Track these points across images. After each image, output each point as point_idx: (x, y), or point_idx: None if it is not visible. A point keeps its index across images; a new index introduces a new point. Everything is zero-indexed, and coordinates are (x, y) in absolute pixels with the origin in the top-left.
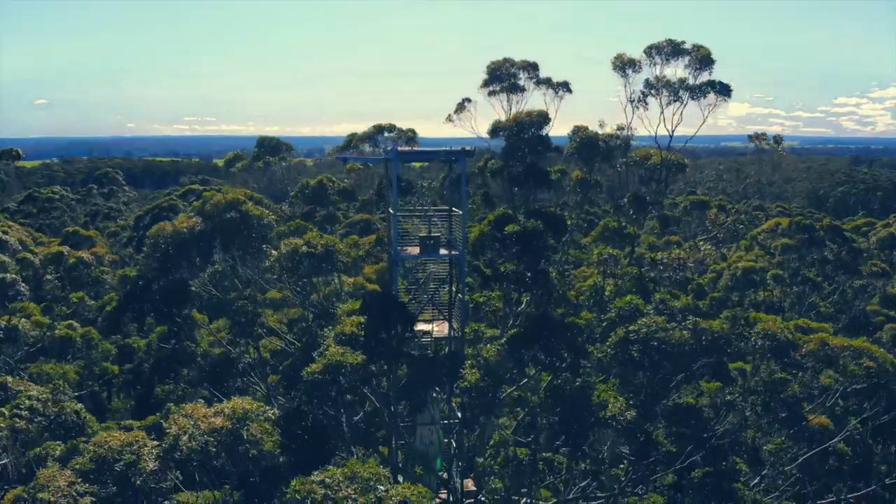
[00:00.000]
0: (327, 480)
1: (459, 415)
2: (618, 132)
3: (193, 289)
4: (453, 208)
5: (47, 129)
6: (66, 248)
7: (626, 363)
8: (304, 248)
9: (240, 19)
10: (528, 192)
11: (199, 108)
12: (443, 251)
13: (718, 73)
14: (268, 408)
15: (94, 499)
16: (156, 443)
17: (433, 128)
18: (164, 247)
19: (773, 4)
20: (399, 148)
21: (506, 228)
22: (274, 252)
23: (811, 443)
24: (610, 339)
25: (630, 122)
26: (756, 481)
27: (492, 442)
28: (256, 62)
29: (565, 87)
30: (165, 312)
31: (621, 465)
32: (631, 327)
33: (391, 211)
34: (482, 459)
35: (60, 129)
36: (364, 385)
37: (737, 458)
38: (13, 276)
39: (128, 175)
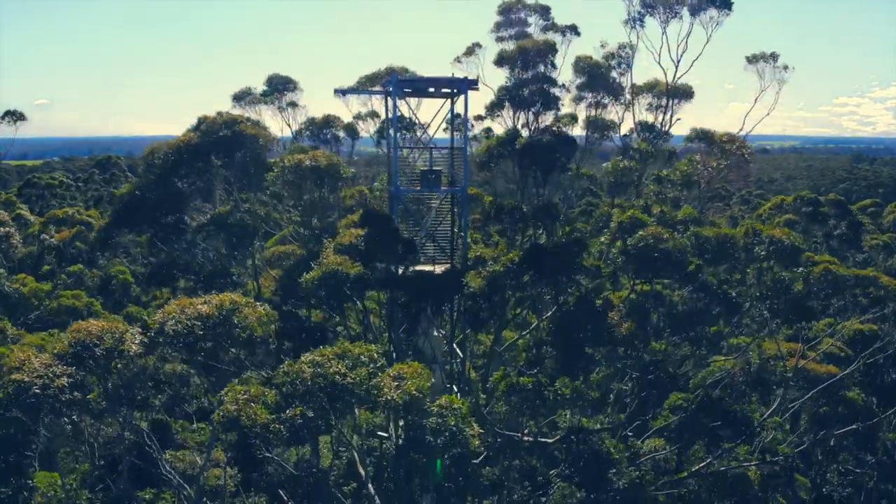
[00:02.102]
0: (317, 359)
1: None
2: (619, 51)
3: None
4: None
5: (47, 130)
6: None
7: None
8: (308, 163)
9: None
10: (535, 118)
11: (205, 108)
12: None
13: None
14: (260, 304)
15: (71, 380)
16: (140, 330)
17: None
18: (160, 161)
19: (772, 4)
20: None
21: (516, 142)
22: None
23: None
24: (613, 250)
25: (631, 42)
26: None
27: (495, 376)
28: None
29: (573, 30)
30: (161, 223)
31: (626, 386)
32: (630, 240)
33: (392, 145)
34: (486, 385)
35: (61, 130)
36: (362, 295)
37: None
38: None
39: (131, 172)
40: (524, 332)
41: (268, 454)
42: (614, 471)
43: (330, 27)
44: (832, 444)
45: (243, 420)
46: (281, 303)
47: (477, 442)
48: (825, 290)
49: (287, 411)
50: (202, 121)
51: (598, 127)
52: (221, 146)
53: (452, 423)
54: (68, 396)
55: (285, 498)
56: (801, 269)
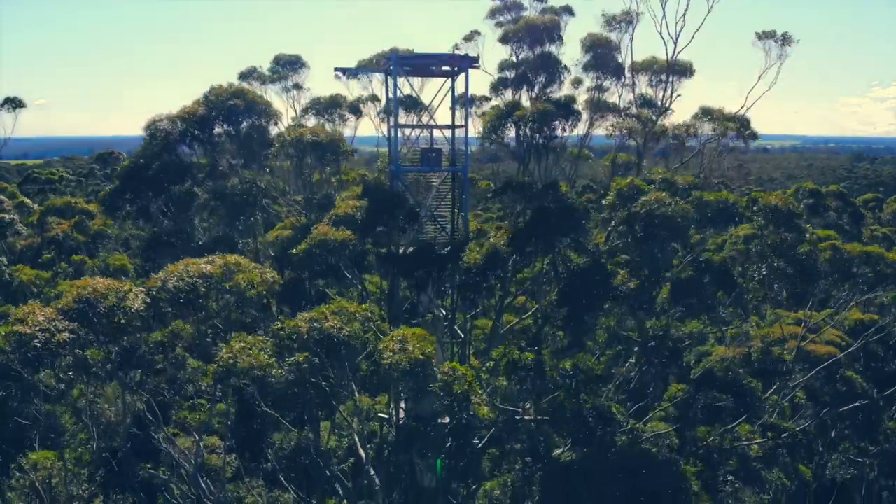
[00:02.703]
0: (314, 315)
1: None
2: (622, 15)
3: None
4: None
5: (47, 130)
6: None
7: (629, 239)
8: (309, 137)
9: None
10: (541, 91)
11: None
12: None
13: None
14: (263, 267)
15: (73, 335)
16: (143, 289)
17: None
18: (164, 131)
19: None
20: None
21: (517, 112)
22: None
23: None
24: (614, 218)
25: (632, 9)
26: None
27: (495, 352)
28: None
29: (569, 11)
30: (164, 191)
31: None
32: (633, 207)
33: (392, 122)
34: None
35: (61, 129)
36: (355, 264)
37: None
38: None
39: None
40: (524, 316)
41: (266, 409)
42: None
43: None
44: (833, 435)
45: (241, 363)
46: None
47: (485, 410)
48: (832, 269)
49: (287, 358)
50: (212, 89)
51: (600, 108)
52: (228, 116)
53: (459, 390)
54: (69, 354)
55: (284, 483)
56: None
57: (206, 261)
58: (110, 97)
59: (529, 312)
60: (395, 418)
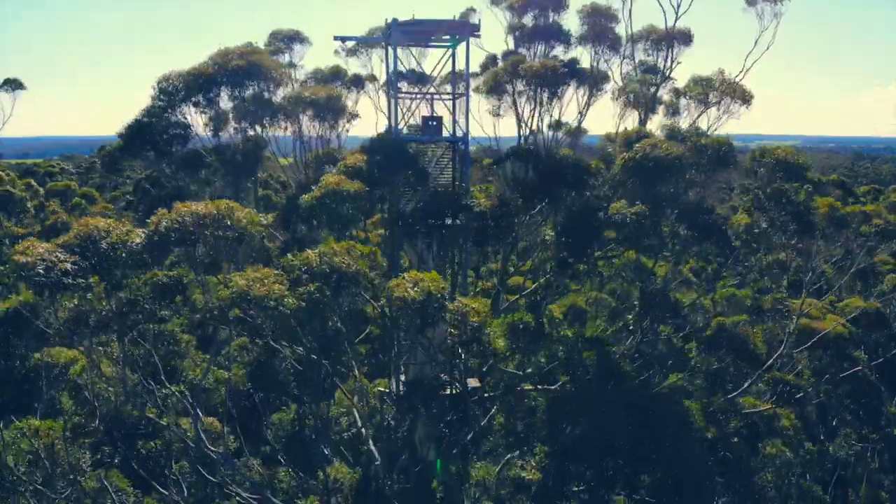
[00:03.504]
0: (324, 248)
1: None
2: None
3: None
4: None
5: (49, 129)
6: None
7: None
8: (308, 95)
9: None
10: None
11: None
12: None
13: None
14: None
15: (75, 266)
16: (144, 231)
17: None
18: (171, 88)
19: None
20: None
21: (523, 65)
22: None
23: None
24: (615, 166)
25: None
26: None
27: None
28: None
29: None
30: (166, 152)
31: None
32: (636, 149)
33: (391, 91)
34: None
35: (62, 129)
36: (366, 216)
37: None
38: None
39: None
40: (524, 292)
41: (275, 344)
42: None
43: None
44: (835, 423)
45: (254, 291)
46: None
47: (502, 342)
48: (828, 224)
49: (299, 288)
50: (220, 51)
51: (598, 80)
52: (235, 77)
53: (475, 320)
54: (71, 280)
55: (282, 461)
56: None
57: (202, 204)
58: (112, 94)
59: (527, 292)
60: (395, 390)
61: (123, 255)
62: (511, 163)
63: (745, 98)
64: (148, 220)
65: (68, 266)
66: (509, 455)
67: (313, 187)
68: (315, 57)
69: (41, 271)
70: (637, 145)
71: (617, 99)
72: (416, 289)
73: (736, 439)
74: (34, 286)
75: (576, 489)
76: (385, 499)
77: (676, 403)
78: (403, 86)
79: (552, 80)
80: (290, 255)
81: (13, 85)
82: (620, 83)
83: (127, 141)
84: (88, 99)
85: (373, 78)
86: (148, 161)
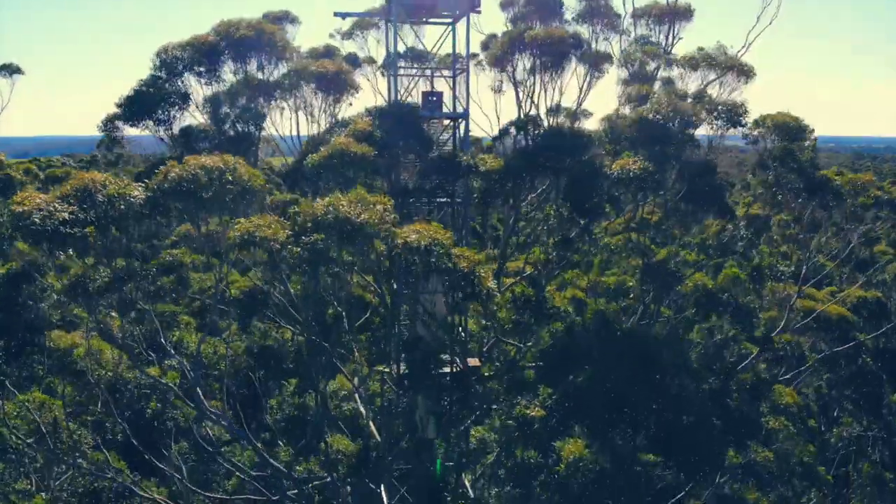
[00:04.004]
0: (331, 199)
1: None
2: None
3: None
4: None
5: (49, 129)
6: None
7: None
8: (314, 68)
9: None
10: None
11: None
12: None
13: None
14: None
15: (73, 216)
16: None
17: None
18: (171, 59)
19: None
20: None
21: (528, 33)
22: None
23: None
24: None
25: None
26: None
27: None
28: None
29: None
30: (166, 120)
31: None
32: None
33: (391, 66)
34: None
35: (62, 128)
36: (374, 179)
37: None
38: None
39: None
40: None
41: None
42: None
43: None
44: (836, 413)
45: (260, 233)
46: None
47: (492, 284)
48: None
49: (304, 237)
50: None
51: (598, 60)
52: (239, 47)
53: (465, 265)
54: (69, 230)
55: (283, 444)
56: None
57: (206, 158)
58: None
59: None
60: (395, 371)
61: (122, 206)
62: (511, 133)
63: (746, 72)
64: (156, 171)
65: (65, 216)
66: (515, 399)
67: (321, 148)
68: (309, 40)
69: (37, 220)
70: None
71: (622, 66)
72: (418, 235)
73: (737, 394)
74: (32, 235)
75: (579, 428)
76: (384, 467)
77: (676, 352)
78: (402, 65)
79: (557, 48)
80: (294, 207)
81: (10, 70)
82: (621, 60)
83: (126, 108)
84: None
85: (371, 60)
86: (148, 129)
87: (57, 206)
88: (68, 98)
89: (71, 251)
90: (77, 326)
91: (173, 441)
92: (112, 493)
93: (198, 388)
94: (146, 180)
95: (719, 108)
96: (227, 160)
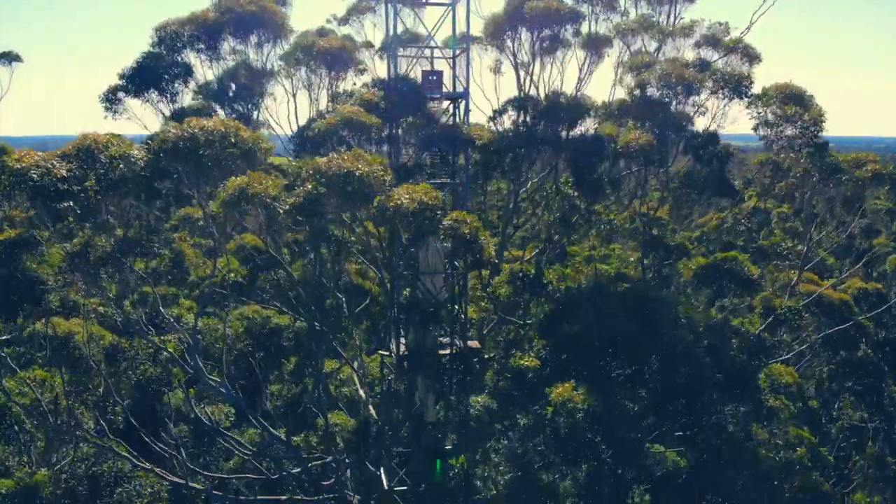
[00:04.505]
0: (332, 155)
1: None
2: None
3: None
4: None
5: (51, 128)
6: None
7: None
8: (322, 44)
9: None
10: None
11: None
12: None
13: None
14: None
15: (71, 173)
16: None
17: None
18: (169, 36)
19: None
20: None
21: (526, 6)
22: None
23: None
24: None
25: None
26: None
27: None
28: None
29: None
30: (169, 92)
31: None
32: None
33: (391, 45)
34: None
35: (65, 129)
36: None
37: None
38: None
39: None
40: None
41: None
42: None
43: None
44: (837, 406)
45: (252, 189)
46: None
47: (493, 250)
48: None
49: (298, 188)
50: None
51: (598, 44)
52: (240, 24)
53: (467, 231)
54: (66, 187)
55: (282, 426)
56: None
57: (210, 120)
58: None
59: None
60: (395, 351)
61: (121, 166)
62: (510, 109)
63: (750, 56)
64: (158, 132)
65: (63, 172)
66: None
67: (326, 115)
68: (302, 23)
69: (35, 176)
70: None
71: (622, 38)
72: (408, 198)
73: (735, 352)
74: (29, 191)
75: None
76: (383, 446)
77: (674, 306)
78: (401, 52)
79: (554, 19)
80: (295, 163)
81: (10, 58)
82: (621, 33)
83: (129, 79)
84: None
85: (368, 45)
86: (150, 103)
87: (55, 163)
88: (67, 86)
89: (70, 217)
90: (76, 313)
91: (172, 424)
92: (112, 478)
93: (196, 355)
94: (148, 141)
95: (724, 76)
96: (228, 123)
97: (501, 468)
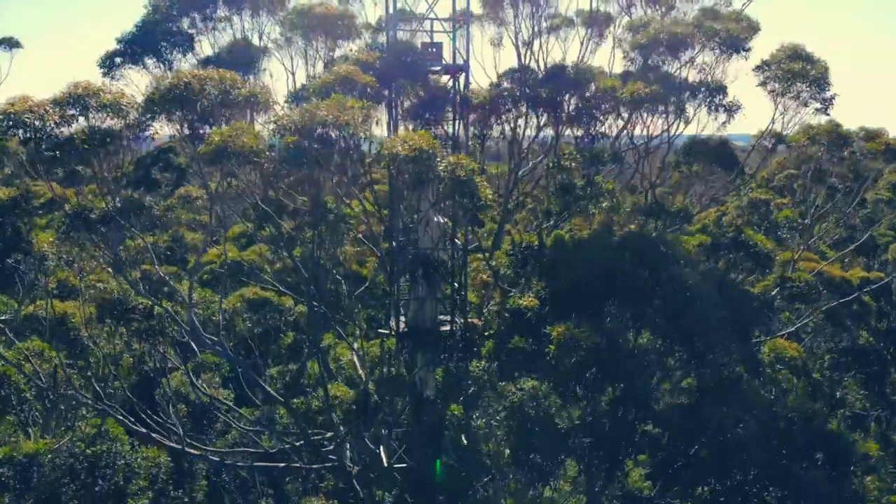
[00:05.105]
0: (307, 106)
1: None
2: None
3: None
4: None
5: None
6: None
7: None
8: (320, 10)
9: None
10: None
11: None
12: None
13: None
14: None
15: (64, 119)
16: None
17: None
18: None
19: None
20: None
21: None
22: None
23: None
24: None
25: None
26: None
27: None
28: None
29: None
30: (166, 58)
31: None
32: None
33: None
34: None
35: None
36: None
37: None
38: None
39: None
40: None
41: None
42: None
43: None
44: (839, 395)
45: (232, 146)
46: None
47: (489, 192)
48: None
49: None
50: None
51: (599, 21)
52: None
53: (463, 173)
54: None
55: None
56: None
57: (203, 71)
58: None
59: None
60: (395, 328)
61: (117, 113)
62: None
63: (752, 28)
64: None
65: (56, 118)
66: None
67: (323, 73)
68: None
69: (26, 119)
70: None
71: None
72: (405, 146)
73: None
74: (21, 129)
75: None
76: (383, 422)
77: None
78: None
79: None
80: (273, 114)
81: (10, 44)
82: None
83: (127, 43)
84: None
85: (368, 26)
86: (148, 70)
87: (49, 108)
88: (67, 73)
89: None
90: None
91: (171, 404)
92: (111, 458)
93: (191, 312)
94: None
95: (720, 32)
96: (223, 74)
97: (499, 412)
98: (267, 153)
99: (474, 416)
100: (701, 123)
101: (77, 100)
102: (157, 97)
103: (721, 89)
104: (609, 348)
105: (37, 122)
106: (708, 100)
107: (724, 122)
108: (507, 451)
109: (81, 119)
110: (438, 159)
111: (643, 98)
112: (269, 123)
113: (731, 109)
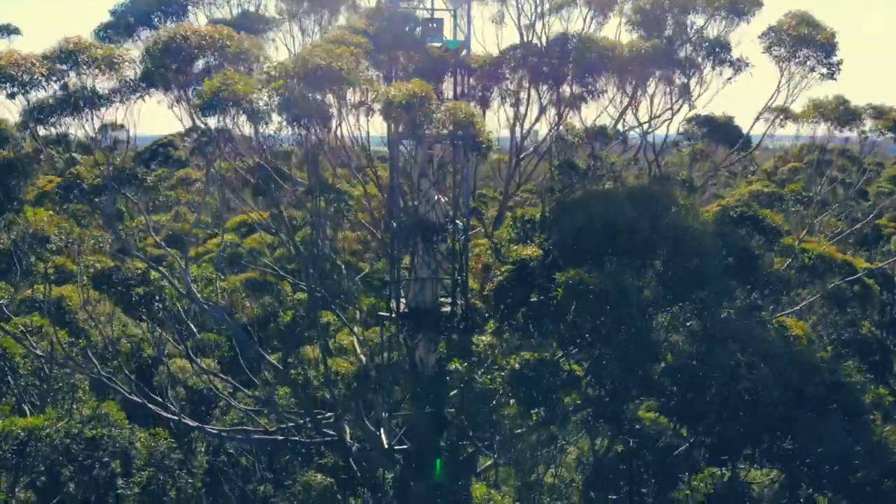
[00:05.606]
0: (301, 52)
1: None
2: None
3: None
4: None
5: None
6: None
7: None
8: None
9: None
10: None
11: None
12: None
13: None
14: None
15: (54, 76)
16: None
17: None
18: None
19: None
20: None
21: None
22: None
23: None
24: None
25: None
26: None
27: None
28: None
29: None
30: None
31: None
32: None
33: None
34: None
35: None
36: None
37: None
38: None
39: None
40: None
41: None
42: None
43: None
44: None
45: (225, 94)
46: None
47: (490, 136)
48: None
49: (271, 83)
50: None
51: (603, 5)
52: None
53: (462, 116)
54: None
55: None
56: None
57: (203, 26)
58: None
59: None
60: (396, 310)
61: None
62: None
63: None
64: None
65: (44, 71)
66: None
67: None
68: None
69: (13, 73)
70: None
71: None
72: (400, 92)
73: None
74: (8, 83)
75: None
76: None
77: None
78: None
79: None
80: (267, 64)
81: (8, 31)
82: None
83: (120, 16)
84: None
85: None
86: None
87: (35, 62)
88: None
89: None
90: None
91: (170, 388)
92: (109, 442)
93: (187, 278)
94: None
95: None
96: (220, 29)
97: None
98: (265, 98)
99: (478, 374)
100: (703, 100)
101: (69, 55)
102: (156, 51)
103: (725, 46)
104: (617, 293)
105: (24, 76)
106: (712, 55)
107: (729, 79)
108: (513, 402)
109: (73, 76)
110: (435, 105)
111: (645, 55)
112: (261, 74)
113: (737, 65)
